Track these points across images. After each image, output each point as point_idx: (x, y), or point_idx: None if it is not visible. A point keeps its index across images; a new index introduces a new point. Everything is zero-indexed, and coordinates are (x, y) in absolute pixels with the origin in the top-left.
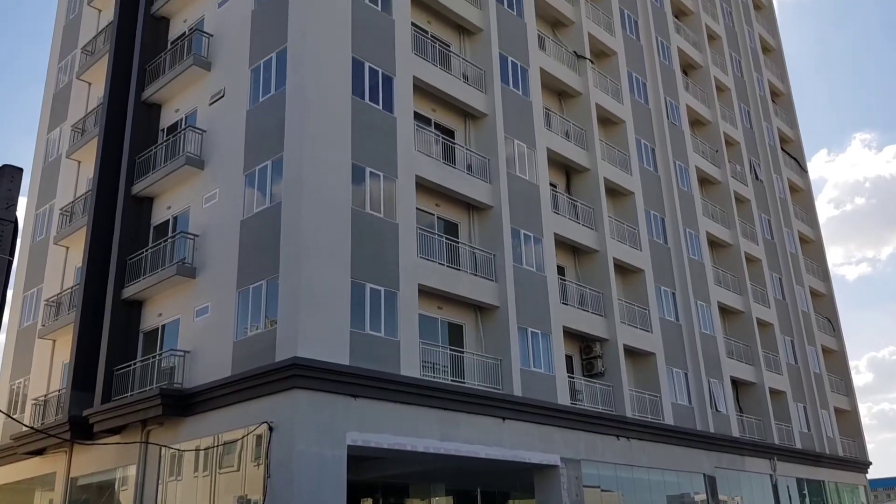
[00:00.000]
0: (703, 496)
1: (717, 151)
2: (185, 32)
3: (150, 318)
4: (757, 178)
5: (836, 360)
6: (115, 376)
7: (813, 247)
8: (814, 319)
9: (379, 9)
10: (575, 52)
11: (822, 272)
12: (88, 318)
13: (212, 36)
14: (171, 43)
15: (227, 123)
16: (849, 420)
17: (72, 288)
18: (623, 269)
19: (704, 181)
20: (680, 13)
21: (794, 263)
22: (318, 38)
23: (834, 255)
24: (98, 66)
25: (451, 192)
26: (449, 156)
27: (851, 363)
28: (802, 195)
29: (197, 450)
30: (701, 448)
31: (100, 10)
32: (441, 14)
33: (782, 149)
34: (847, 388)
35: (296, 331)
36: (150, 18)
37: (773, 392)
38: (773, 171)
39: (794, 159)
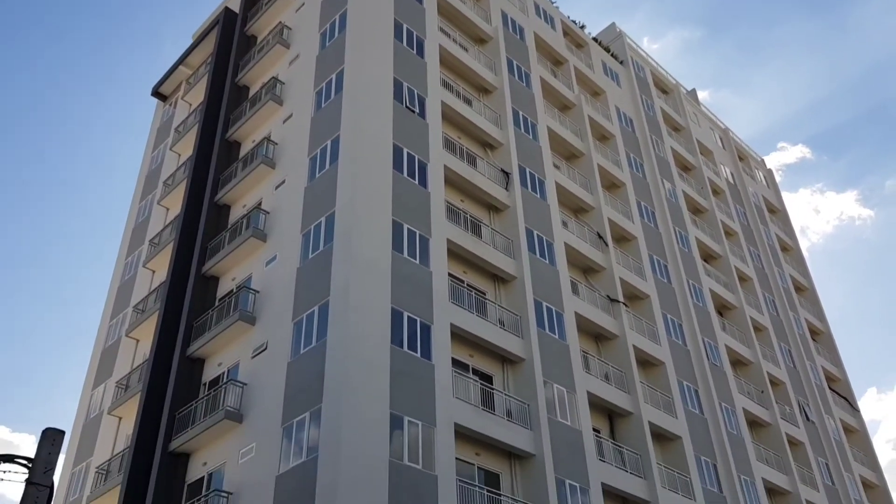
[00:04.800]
0: None
1: (762, 392)
2: (232, 290)
3: None
4: (808, 419)
5: None
6: None
7: (878, 493)
8: None
9: (417, 262)
10: (608, 296)
11: None
12: None
13: (258, 292)
14: (219, 300)
15: (269, 376)
16: None
17: None
18: None
19: (754, 423)
20: (708, 257)
21: None
22: (360, 291)
23: None
24: (147, 324)
25: (492, 440)
26: (488, 402)
27: None
28: (858, 437)
29: None
30: None
31: (153, 271)
32: (476, 265)
33: (830, 388)
34: None
35: None
36: (200, 278)
37: None
38: (823, 411)
39: (845, 398)
